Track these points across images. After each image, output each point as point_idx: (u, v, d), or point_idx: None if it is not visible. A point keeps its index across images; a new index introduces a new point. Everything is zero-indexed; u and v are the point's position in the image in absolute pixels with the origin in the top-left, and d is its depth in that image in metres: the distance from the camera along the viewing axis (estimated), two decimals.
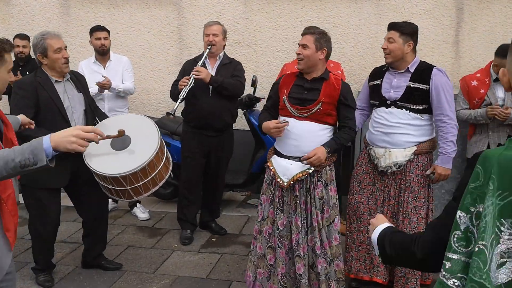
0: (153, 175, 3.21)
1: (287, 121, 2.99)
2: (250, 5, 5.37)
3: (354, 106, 3.17)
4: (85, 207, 3.59)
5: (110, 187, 3.26)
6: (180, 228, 4.42)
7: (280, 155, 3.07)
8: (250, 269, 3.25)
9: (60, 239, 4.32)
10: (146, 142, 3.23)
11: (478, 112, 3.79)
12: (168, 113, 3.86)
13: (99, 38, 4.60)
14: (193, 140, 4.17)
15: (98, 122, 3.52)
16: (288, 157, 3.02)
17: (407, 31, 3.17)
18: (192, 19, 5.51)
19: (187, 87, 3.84)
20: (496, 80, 3.78)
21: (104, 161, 3.19)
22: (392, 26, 3.21)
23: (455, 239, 1.20)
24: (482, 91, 3.84)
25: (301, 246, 3.01)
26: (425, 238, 1.35)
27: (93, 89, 4.54)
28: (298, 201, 3.01)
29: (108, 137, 3.14)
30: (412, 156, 3.20)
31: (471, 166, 1.22)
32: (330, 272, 3.04)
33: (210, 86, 3.99)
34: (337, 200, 3.11)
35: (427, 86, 3.14)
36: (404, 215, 3.23)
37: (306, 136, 2.98)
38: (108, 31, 4.68)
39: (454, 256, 1.20)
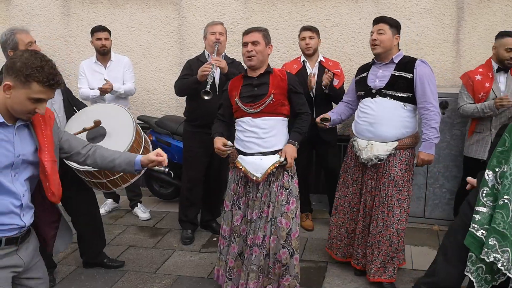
0: None
1: (232, 147, 3.09)
2: (250, 4, 5.37)
3: (303, 92, 3.26)
4: (72, 207, 3.59)
5: (87, 179, 3.28)
6: (181, 228, 4.43)
7: (245, 154, 3.10)
8: (221, 267, 3.35)
9: None
10: (121, 135, 3.22)
11: (485, 104, 3.82)
12: (205, 91, 3.72)
13: (100, 39, 4.61)
14: (197, 140, 4.16)
15: (76, 112, 3.56)
16: (252, 154, 3.07)
17: (395, 24, 3.38)
18: (192, 19, 5.51)
19: (212, 71, 3.81)
20: (499, 70, 3.91)
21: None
22: (381, 19, 3.40)
23: (483, 194, 1.37)
24: (487, 84, 3.90)
25: (249, 236, 3.12)
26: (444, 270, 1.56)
27: (94, 91, 4.55)
28: (259, 195, 3.09)
29: (84, 130, 3.16)
30: (394, 151, 3.31)
31: (499, 134, 1.41)
32: (290, 265, 3.09)
33: (217, 85, 4.00)
34: (299, 193, 3.19)
35: (411, 75, 3.30)
36: (388, 208, 3.35)
37: (265, 132, 3.05)
38: (109, 32, 4.69)
39: (483, 209, 1.35)
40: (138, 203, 4.96)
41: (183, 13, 5.56)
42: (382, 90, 3.35)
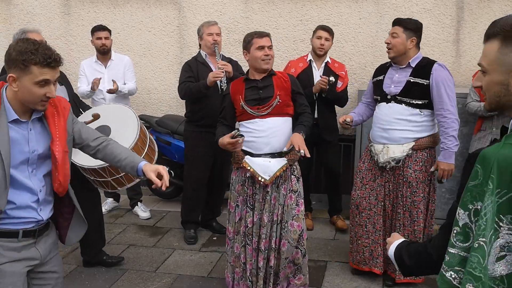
0: None
1: (240, 133, 3.01)
2: (251, 4, 5.38)
3: (303, 93, 3.27)
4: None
5: (92, 178, 3.29)
6: (182, 228, 4.44)
7: (252, 154, 3.07)
8: (228, 270, 3.28)
9: None
10: (125, 133, 3.23)
11: None
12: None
13: (100, 38, 4.62)
14: (200, 140, 4.14)
15: (82, 113, 3.56)
16: (260, 155, 3.05)
17: (411, 26, 3.24)
18: (193, 19, 5.52)
19: (224, 77, 3.82)
20: None
21: (83, 153, 3.21)
22: (397, 22, 3.29)
23: (454, 234, 1.25)
24: None
25: (263, 241, 3.07)
26: (437, 240, 1.42)
27: (83, 88, 4.58)
28: (268, 197, 3.06)
29: (84, 123, 3.17)
30: (411, 152, 3.23)
31: (470, 165, 1.25)
32: (303, 265, 3.13)
33: (219, 84, 4.00)
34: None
35: (427, 81, 3.18)
36: (404, 209, 3.31)
37: (273, 132, 3.04)
38: (109, 31, 4.70)
39: (453, 251, 1.25)
40: (139, 202, 4.97)
41: (184, 12, 5.57)
42: (397, 97, 3.25)
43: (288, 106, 3.11)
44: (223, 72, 3.81)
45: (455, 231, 1.26)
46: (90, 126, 3.28)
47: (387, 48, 3.31)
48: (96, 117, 3.13)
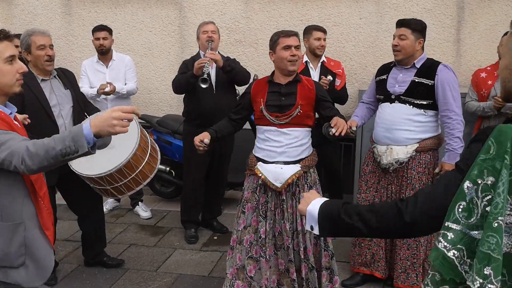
0: (133, 175, 3.16)
1: (206, 146, 2.89)
2: (251, 4, 5.38)
3: (331, 101, 3.11)
4: (76, 205, 3.62)
5: (92, 185, 3.28)
6: (183, 227, 4.45)
7: (265, 161, 2.97)
8: (226, 283, 3.09)
9: (63, 237, 4.35)
10: (124, 143, 3.17)
11: (487, 103, 3.87)
12: (203, 79, 3.77)
13: (98, 38, 4.63)
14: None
15: (87, 117, 3.54)
16: (273, 163, 2.94)
17: (419, 28, 3.18)
18: (194, 19, 5.53)
19: (207, 64, 3.83)
20: None
21: (83, 160, 3.18)
22: (403, 23, 3.21)
23: (459, 209, 1.17)
24: (489, 82, 3.93)
25: (292, 251, 2.95)
26: (417, 202, 1.29)
27: (92, 90, 4.57)
28: (285, 206, 2.94)
29: None
30: (414, 153, 3.21)
31: (480, 139, 1.20)
32: (312, 279, 2.98)
33: (213, 82, 4.03)
34: None
35: (432, 82, 3.16)
36: None
37: (290, 143, 2.92)
38: (108, 31, 4.68)
39: (457, 227, 1.17)
40: (139, 202, 4.98)
41: (184, 12, 5.58)
42: (401, 97, 3.21)
43: (308, 117, 2.96)
44: (207, 58, 3.84)
45: (461, 206, 1.17)
46: None
47: (394, 50, 3.25)
48: None
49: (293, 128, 2.92)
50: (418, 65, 3.24)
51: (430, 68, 3.20)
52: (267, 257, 2.99)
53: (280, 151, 2.93)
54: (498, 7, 4.87)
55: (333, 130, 2.68)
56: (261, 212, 2.99)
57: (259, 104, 2.96)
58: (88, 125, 1.69)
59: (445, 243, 1.18)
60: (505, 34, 3.98)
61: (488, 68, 4.05)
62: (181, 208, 4.46)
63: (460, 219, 1.17)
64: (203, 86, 3.79)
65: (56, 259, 3.74)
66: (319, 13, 5.22)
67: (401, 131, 3.22)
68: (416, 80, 3.20)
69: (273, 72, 3.03)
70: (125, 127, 1.70)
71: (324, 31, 4.34)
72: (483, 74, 3.99)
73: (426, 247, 3.31)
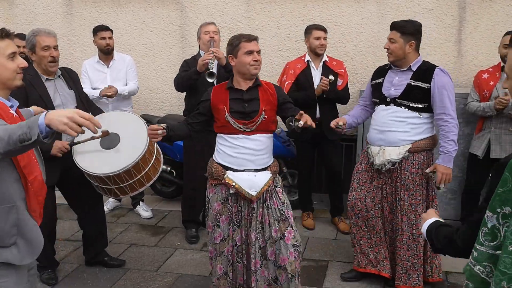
0: (139, 176, 3.23)
1: (163, 129, 2.74)
2: (252, 4, 5.38)
3: (292, 101, 3.04)
4: (77, 204, 3.63)
5: (96, 184, 3.31)
6: (184, 227, 4.45)
7: (234, 170, 2.88)
8: None
9: (64, 237, 4.36)
10: (134, 144, 3.23)
11: (487, 104, 3.89)
12: (211, 73, 3.79)
13: (104, 38, 4.62)
14: (197, 139, 4.16)
15: None
16: (243, 171, 2.87)
17: (409, 30, 3.17)
18: (195, 18, 5.53)
19: (212, 60, 3.87)
20: (504, 68, 3.90)
21: (91, 159, 3.24)
22: (393, 26, 3.23)
23: (482, 234, 1.42)
24: (491, 83, 3.96)
25: (252, 261, 2.90)
26: (463, 230, 1.57)
27: (95, 91, 4.56)
28: (254, 214, 2.90)
29: (92, 138, 3.19)
30: (407, 154, 3.20)
31: (498, 173, 1.39)
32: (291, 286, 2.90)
33: (215, 83, 4.02)
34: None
35: (428, 85, 3.16)
36: (402, 213, 3.28)
37: (259, 150, 2.87)
38: (111, 31, 4.70)
39: (481, 248, 1.42)
40: (140, 202, 4.98)
41: (186, 12, 5.58)
42: (397, 100, 3.21)
43: (273, 122, 2.93)
44: (211, 54, 3.87)
45: (483, 232, 1.41)
46: (101, 139, 3.28)
47: (387, 52, 3.28)
48: (105, 134, 3.13)
49: (260, 134, 2.87)
50: (414, 68, 3.23)
51: (426, 71, 3.20)
52: (244, 262, 2.98)
53: (250, 158, 2.86)
54: (500, 7, 4.87)
55: (301, 122, 2.60)
56: (235, 221, 2.94)
57: (223, 111, 2.86)
58: (44, 116, 1.72)
59: (472, 260, 1.44)
60: (506, 34, 3.97)
61: (490, 69, 4.06)
62: (182, 208, 4.46)
63: (483, 242, 1.41)
64: (210, 80, 3.81)
65: (57, 259, 3.75)
66: (320, 13, 5.22)
67: (394, 132, 3.21)
68: (412, 83, 3.20)
69: (231, 78, 2.97)
70: (75, 131, 1.71)
71: (325, 30, 4.33)
72: (485, 75, 4.02)
73: (425, 247, 3.31)
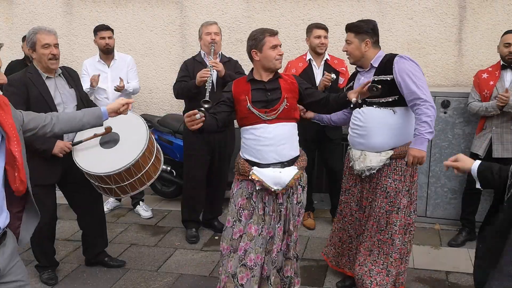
0: (139, 175, 3.23)
1: (202, 115, 2.72)
2: (252, 3, 5.38)
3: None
4: (77, 204, 3.62)
5: (96, 184, 3.31)
6: (184, 227, 4.44)
7: (259, 165, 2.87)
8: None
9: (64, 237, 4.36)
10: (133, 143, 3.24)
11: (489, 103, 3.89)
12: (205, 101, 3.61)
13: (104, 38, 4.62)
14: (198, 139, 4.16)
15: None
16: (269, 165, 2.86)
17: (362, 29, 3.15)
18: (195, 18, 5.52)
19: (210, 78, 3.86)
20: (504, 67, 3.94)
21: (90, 158, 3.24)
22: (347, 28, 3.22)
23: None
24: (491, 83, 3.95)
25: (274, 254, 2.93)
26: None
27: (85, 87, 4.56)
28: (281, 209, 2.91)
29: (95, 135, 3.20)
30: (388, 161, 3.13)
31: None
32: (297, 271, 3.09)
33: (214, 83, 4.03)
34: None
35: (391, 76, 3.07)
36: (374, 219, 3.19)
37: (281, 139, 2.86)
38: (112, 30, 4.70)
39: None
40: (140, 202, 4.97)
41: (186, 12, 5.58)
42: (367, 100, 3.12)
43: (295, 109, 2.94)
44: (210, 71, 3.85)
45: None
46: (100, 138, 3.31)
47: (346, 55, 3.28)
48: (108, 130, 3.13)
49: (282, 122, 2.88)
50: (376, 64, 3.17)
51: (387, 63, 3.12)
52: (261, 262, 2.94)
53: (272, 149, 2.86)
54: (500, 6, 4.86)
55: (379, 86, 2.82)
56: (262, 218, 2.92)
57: (245, 102, 2.88)
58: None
59: None
60: (505, 33, 3.95)
61: (489, 68, 4.06)
62: (182, 208, 4.46)
63: None
64: (206, 106, 3.58)
65: (57, 259, 3.74)
66: (320, 13, 5.22)
67: (374, 137, 3.13)
68: (376, 79, 3.11)
69: (251, 71, 3.00)
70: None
71: (325, 29, 4.33)
72: (485, 75, 4.02)
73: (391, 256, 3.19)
